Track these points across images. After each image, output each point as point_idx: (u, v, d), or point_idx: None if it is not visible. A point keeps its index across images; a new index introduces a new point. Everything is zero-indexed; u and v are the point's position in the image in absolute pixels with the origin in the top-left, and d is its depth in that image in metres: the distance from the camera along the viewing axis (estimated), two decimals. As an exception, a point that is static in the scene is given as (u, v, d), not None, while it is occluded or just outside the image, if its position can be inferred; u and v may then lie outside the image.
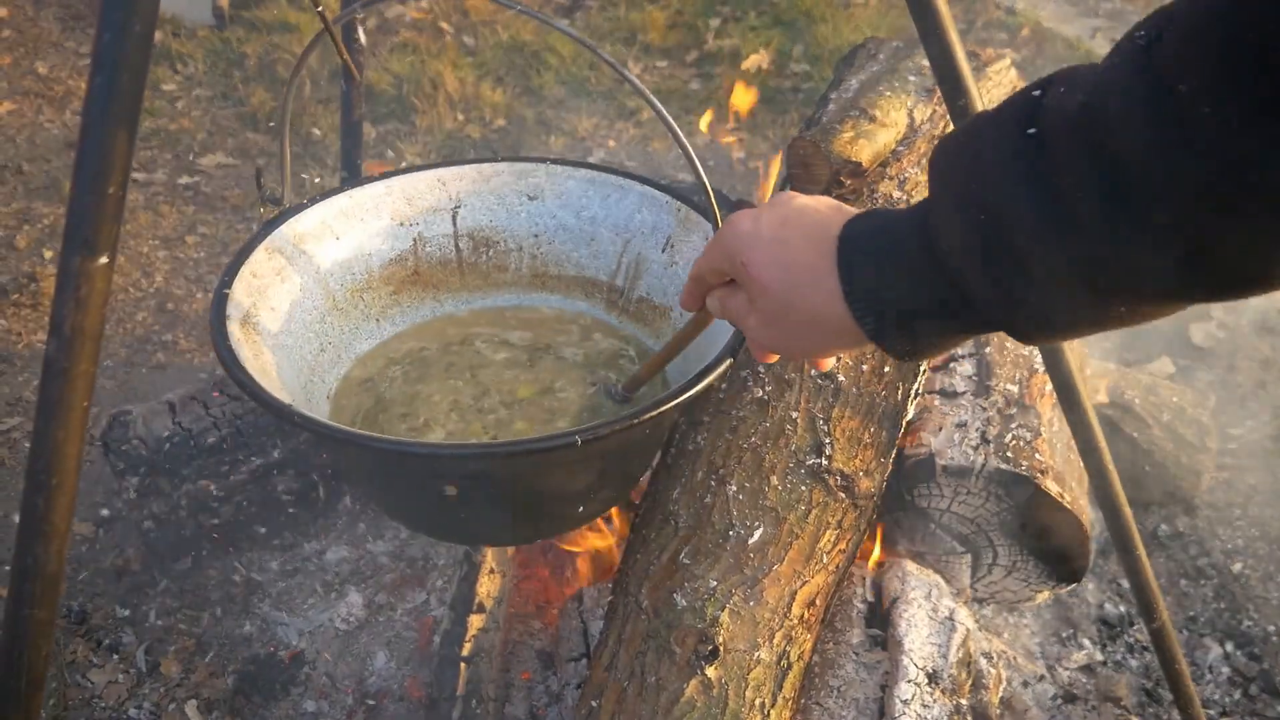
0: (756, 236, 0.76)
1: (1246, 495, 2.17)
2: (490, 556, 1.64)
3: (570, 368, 1.45)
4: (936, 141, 0.69)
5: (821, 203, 0.77)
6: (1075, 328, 0.64)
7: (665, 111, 1.12)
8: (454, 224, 1.53)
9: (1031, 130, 0.58)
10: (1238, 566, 2.04)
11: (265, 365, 1.14)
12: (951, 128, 1.38)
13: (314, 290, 1.30)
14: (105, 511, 2.06)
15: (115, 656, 1.82)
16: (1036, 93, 0.60)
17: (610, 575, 1.73)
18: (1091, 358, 2.21)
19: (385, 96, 3.33)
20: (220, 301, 1.13)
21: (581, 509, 1.31)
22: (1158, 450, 2.04)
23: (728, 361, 1.09)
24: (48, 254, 2.73)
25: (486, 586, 1.61)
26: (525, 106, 3.32)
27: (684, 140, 1.16)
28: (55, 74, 3.52)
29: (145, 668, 1.80)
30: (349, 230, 1.38)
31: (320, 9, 1.11)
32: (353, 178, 1.88)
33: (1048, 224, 0.57)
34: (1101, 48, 3.69)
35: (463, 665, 1.54)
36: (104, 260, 0.79)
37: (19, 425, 2.25)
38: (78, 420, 0.83)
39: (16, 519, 2.02)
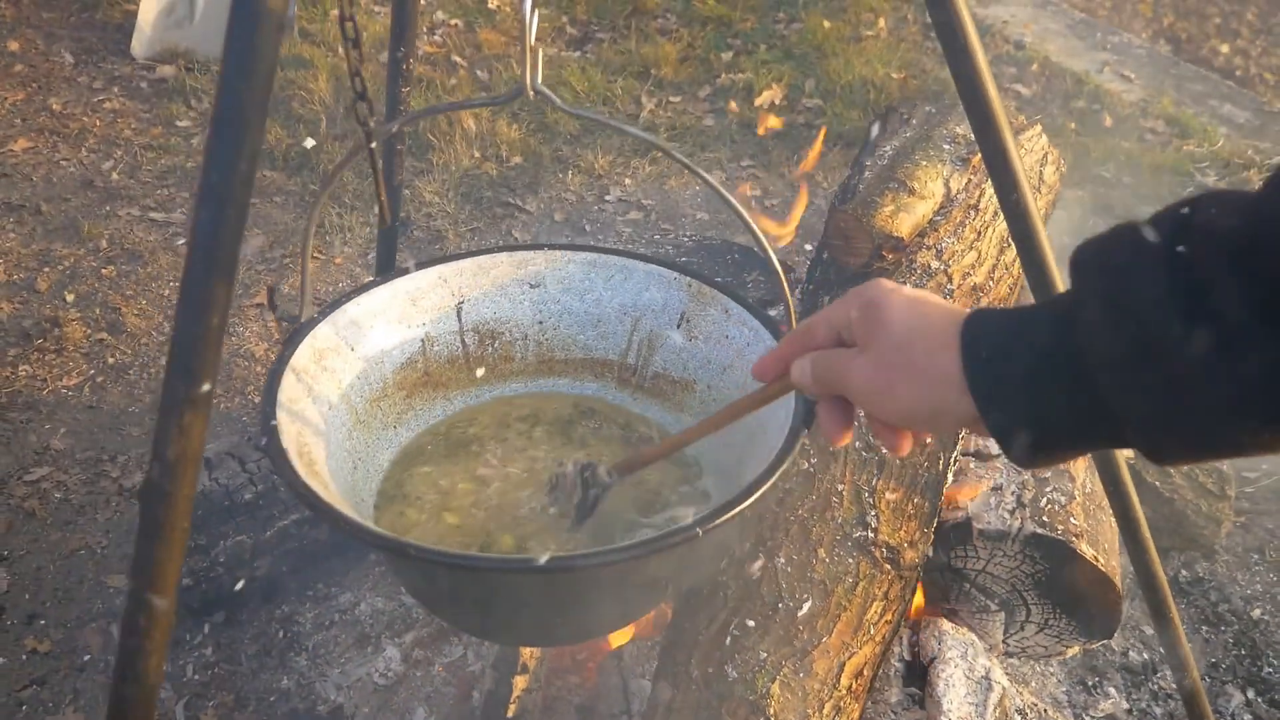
0: (896, 292, 0.78)
1: (1264, 540, 2.22)
2: (533, 618, 1.67)
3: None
4: (1079, 244, 0.67)
5: (930, 301, 0.79)
6: (1233, 453, 0.62)
7: (733, 200, 1.14)
8: (459, 320, 1.52)
9: (1181, 248, 0.59)
10: (1257, 613, 2.08)
11: (332, 494, 1.14)
12: (994, 201, 1.42)
13: (340, 407, 1.30)
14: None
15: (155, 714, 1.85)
16: (1185, 210, 0.61)
17: (649, 632, 1.76)
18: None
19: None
20: (274, 435, 1.12)
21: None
22: (1178, 498, 2.09)
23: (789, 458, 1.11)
24: (69, 297, 2.75)
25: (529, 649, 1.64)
26: (541, 144, 3.36)
27: (750, 221, 1.17)
28: (69, 110, 3.55)
29: (184, 722, 1.84)
30: (361, 340, 1.37)
31: (366, 128, 1.13)
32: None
33: (1205, 345, 0.57)
34: (1110, 82, 3.76)
35: (508, 728, 1.57)
36: (206, 388, 0.82)
37: (48, 475, 2.28)
38: (179, 540, 0.86)
39: (51, 569, 2.06)
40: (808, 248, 2.70)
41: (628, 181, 3.22)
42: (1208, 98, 3.68)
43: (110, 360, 2.58)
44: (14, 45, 3.86)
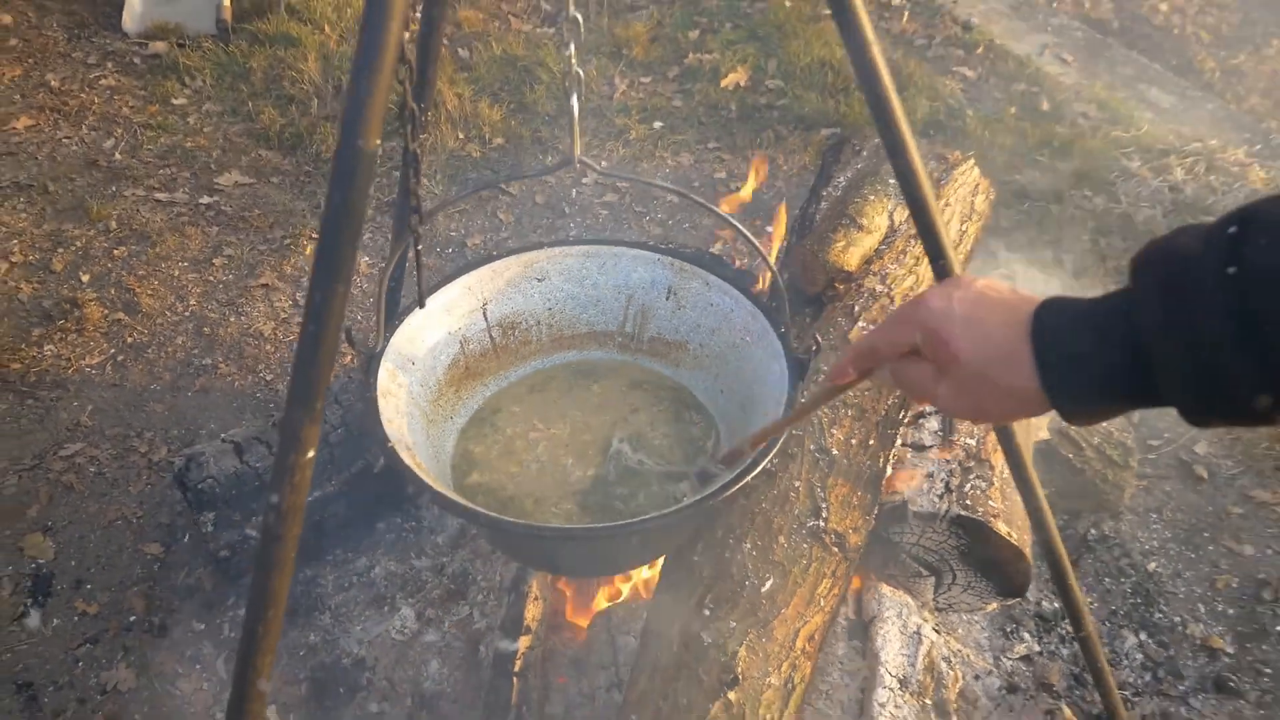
0: (951, 315, 0.81)
1: (1162, 502, 2.50)
2: (535, 585, 1.90)
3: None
4: (1146, 245, 0.75)
5: (997, 284, 0.84)
6: (1254, 423, 0.70)
7: (749, 234, 1.35)
8: (485, 319, 1.74)
9: (1232, 269, 0.65)
10: (1153, 565, 2.36)
11: (442, 488, 1.37)
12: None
13: (414, 413, 1.52)
14: (156, 548, 2.29)
15: (198, 667, 2.07)
16: (1233, 229, 0.67)
17: (629, 597, 2.00)
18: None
19: (388, 115, 3.49)
20: (395, 455, 1.32)
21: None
22: (1089, 468, 2.35)
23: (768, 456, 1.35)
24: (84, 277, 2.89)
25: (532, 611, 1.87)
26: (521, 125, 3.50)
27: (760, 247, 1.38)
28: (67, 87, 3.62)
29: (226, 676, 2.05)
30: (416, 352, 1.59)
31: (415, 229, 1.31)
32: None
33: (1248, 355, 0.65)
34: (1049, 65, 3.94)
35: (515, 680, 1.81)
36: (310, 454, 1.02)
37: (81, 450, 2.45)
38: (288, 569, 1.06)
39: (93, 539, 2.24)
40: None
41: (603, 163, 3.38)
42: (1136, 81, 3.88)
43: (129, 339, 2.73)
44: (6, 19, 3.89)
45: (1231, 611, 2.26)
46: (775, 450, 1.33)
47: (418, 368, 1.57)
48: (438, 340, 1.65)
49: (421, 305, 1.56)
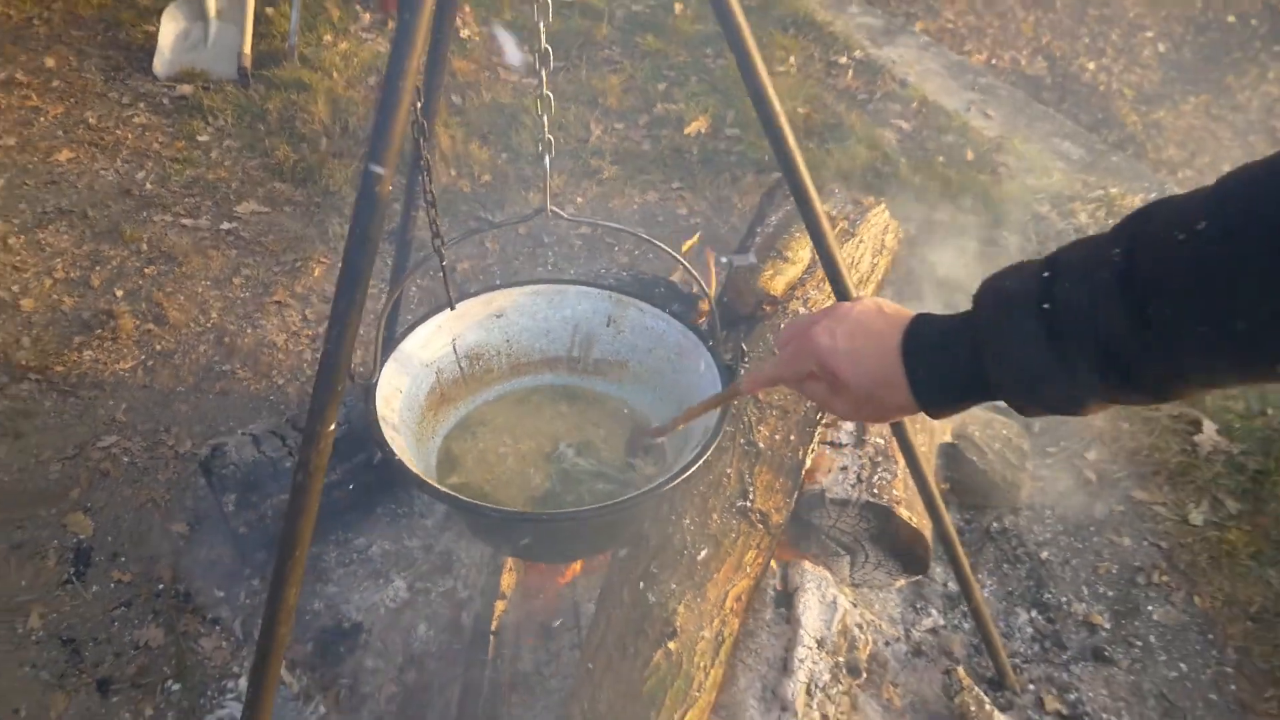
0: (836, 351, 0.97)
1: (1055, 500, 2.72)
2: (510, 561, 2.10)
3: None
4: (987, 279, 0.91)
5: (870, 312, 0.99)
6: (1063, 412, 0.87)
7: (692, 269, 1.56)
8: (455, 351, 1.89)
9: (1045, 305, 0.81)
10: (1045, 554, 2.58)
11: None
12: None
13: (406, 433, 1.70)
14: (181, 526, 2.47)
15: (218, 628, 2.24)
16: (1046, 274, 0.82)
17: (590, 569, 2.20)
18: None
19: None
20: (403, 468, 1.47)
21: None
22: (991, 470, 2.57)
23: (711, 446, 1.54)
24: (119, 293, 3.07)
25: (507, 580, 2.07)
26: (507, 164, 3.72)
27: (697, 275, 1.60)
28: (104, 124, 3.81)
29: (242, 636, 2.23)
30: (400, 382, 1.74)
31: (440, 254, 1.51)
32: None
33: (1059, 370, 0.81)
34: (975, 119, 4.20)
35: (492, 637, 2.00)
36: (331, 427, 1.22)
37: (116, 442, 2.62)
38: (311, 515, 1.26)
39: (126, 518, 2.42)
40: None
41: (579, 199, 3.60)
42: (1051, 135, 4.15)
43: (158, 347, 2.92)
44: (50, 61, 4.08)
45: (1110, 593, 2.48)
46: (704, 457, 1.53)
47: (405, 393, 1.75)
48: (418, 371, 1.80)
49: (452, 307, 1.75)
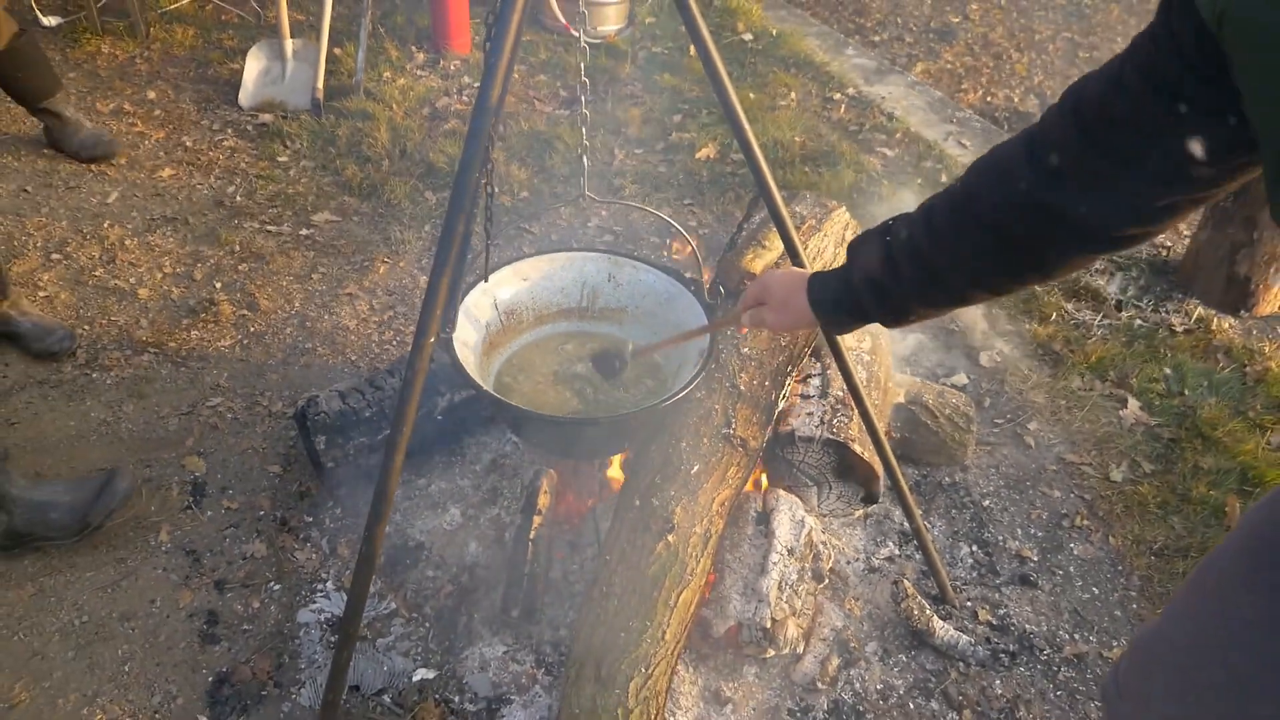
0: (771, 289, 1.59)
1: (1000, 461, 3.17)
2: (545, 485, 2.60)
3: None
4: (855, 235, 1.60)
5: (795, 270, 1.57)
6: (920, 320, 1.43)
7: (696, 248, 2.07)
8: (496, 309, 2.37)
9: (888, 238, 1.33)
10: (987, 503, 3.03)
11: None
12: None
13: (478, 375, 2.20)
14: (275, 468, 2.98)
15: (308, 544, 2.75)
16: (890, 222, 1.34)
17: (609, 498, 2.69)
18: (904, 371, 3.23)
19: (442, 172, 4.26)
20: (483, 390, 1.97)
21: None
22: (941, 431, 3.04)
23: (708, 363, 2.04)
24: (218, 285, 3.61)
25: (542, 501, 2.56)
26: (542, 182, 4.25)
27: (691, 241, 2.11)
28: (198, 146, 4.38)
29: (328, 550, 2.73)
30: (466, 334, 2.23)
31: (486, 249, 2.03)
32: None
33: (900, 282, 1.32)
34: (952, 149, 4.69)
35: (530, 545, 2.50)
36: (431, 339, 1.72)
37: (221, 403, 3.14)
38: (411, 417, 1.76)
39: (232, 462, 2.93)
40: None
41: (604, 213, 4.13)
42: (1019, 162, 4.63)
43: (252, 329, 3.45)
44: (152, 94, 4.67)
45: (1040, 534, 2.93)
46: (698, 377, 2.04)
47: (468, 346, 2.26)
48: (475, 325, 2.28)
49: (485, 280, 2.26)
